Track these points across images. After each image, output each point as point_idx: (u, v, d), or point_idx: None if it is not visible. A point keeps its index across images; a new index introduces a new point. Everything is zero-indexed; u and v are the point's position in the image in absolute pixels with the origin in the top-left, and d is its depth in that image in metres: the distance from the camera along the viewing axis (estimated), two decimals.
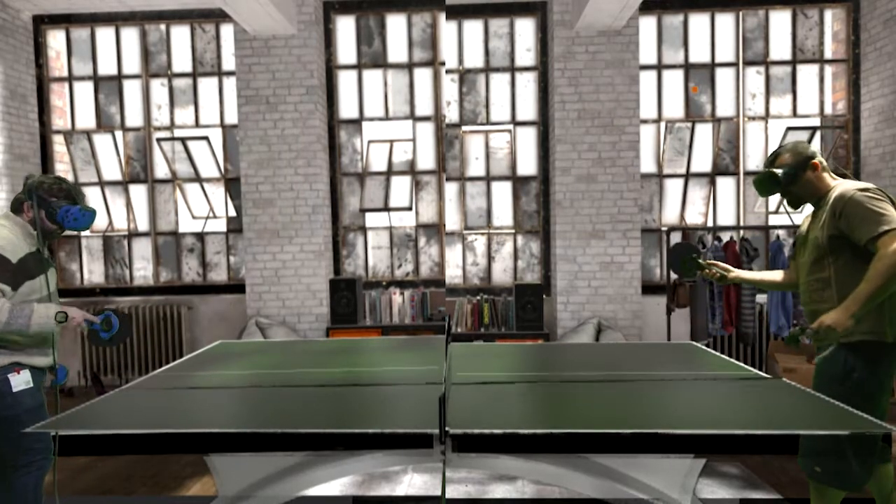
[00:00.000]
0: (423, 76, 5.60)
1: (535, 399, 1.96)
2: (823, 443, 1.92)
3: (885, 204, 1.95)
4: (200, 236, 5.73)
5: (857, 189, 2.00)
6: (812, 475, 2.01)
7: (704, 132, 5.51)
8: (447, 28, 5.55)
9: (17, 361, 2.20)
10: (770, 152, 2.28)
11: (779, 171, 2.16)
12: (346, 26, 5.60)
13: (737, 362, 2.41)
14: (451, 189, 5.65)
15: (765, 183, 2.20)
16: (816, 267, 2.09)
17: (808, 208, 2.28)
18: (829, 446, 1.91)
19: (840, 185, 2.11)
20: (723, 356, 2.55)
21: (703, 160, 5.52)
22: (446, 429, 1.52)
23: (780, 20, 5.49)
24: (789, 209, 2.40)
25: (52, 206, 2.26)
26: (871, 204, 1.93)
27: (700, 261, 2.56)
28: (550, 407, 1.86)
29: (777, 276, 2.47)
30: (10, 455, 2.16)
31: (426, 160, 5.63)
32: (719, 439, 1.46)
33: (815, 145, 5.44)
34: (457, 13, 5.52)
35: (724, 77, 5.50)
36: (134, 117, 5.71)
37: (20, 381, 2.20)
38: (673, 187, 5.55)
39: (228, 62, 5.60)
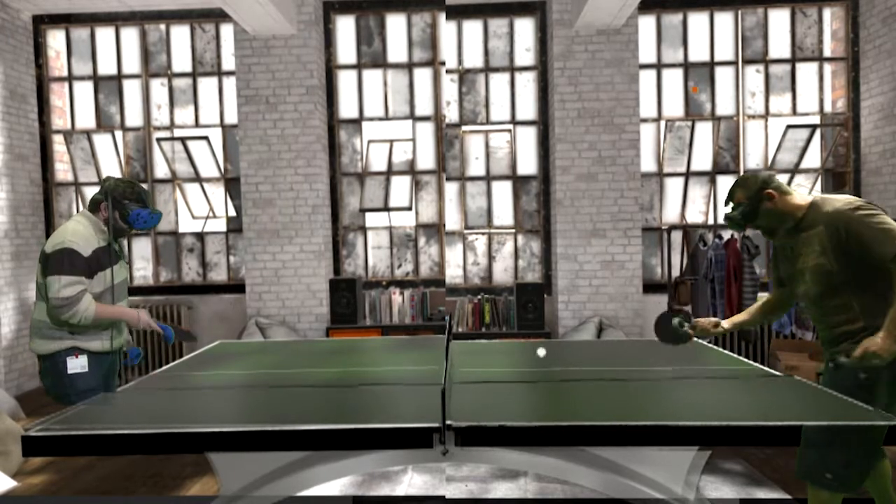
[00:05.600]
0: (422, 76, 5.60)
1: (538, 393, 1.95)
2: (832, 447, 1.85)
3: (884, 216, 1.92)
4: (200, 236, 5.72)
5: (851, 208, 1.94)
6: (823, 484, 1.91)
7: (704, 131, 5.51)
8: (447, 28, 5.56)
9: (76, 346, 2.47)
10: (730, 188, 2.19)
11: (736, 213, 2.11)
12: (346, 26, 5.60)
13: (739, 357, 2.40)
14: (451, 189, 5.65)
15: (729, 224, 2.18)
16: (830, 295, 1.99)
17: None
18: (838, 450, 1.85)
19: (821, 204, 2.02)
20: (725, 351, 2.54)
21: (703, 159, 5.52)
22: (448, 422, 1.51)
23: (779, 18, 5.49)
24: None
25: (126, 209, 2.53)
26: (874, 221, 1.89)
27: (686, 330, 2.39)
28: (553, 401, 1.85)
29: (758, 308, 2.34)
30: None
31: (426, 160, 5.63)
32: (722, 431, 1.46)
33: (815, 143, 5.44)
34: (456, 13, 5.52)
35: (723, 75, 5.50)
36: (134, 117, 5.71)
37: (76, 364, 2.45)
38: (673, 186, 5.55)
39: (228, 62, 5.60)
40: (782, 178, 5.45)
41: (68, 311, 2.36)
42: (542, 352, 2.51)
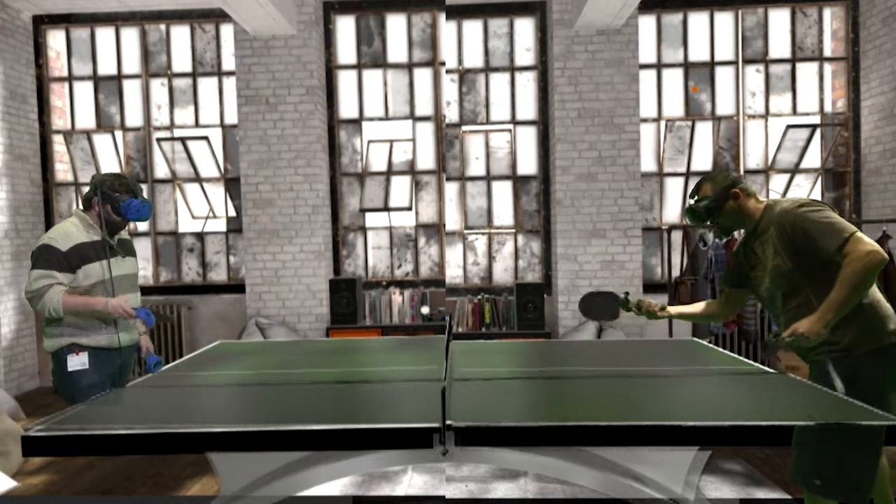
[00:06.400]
0: (422, 76, 5.60)
1: (538, 393, 1.95)
2: (823, 450, 1.82)
3: (828, 211, 1.96)
4: (200, 236, 5.72)
5: (795, 206, 1.99)
6: (811, 489, 1.87)
7: (704, 130, 5.51)
8: (447, 28, 5.56)
9: (76, 343, 2.47)
10: (695, 185, 2.25)
11: (700, 204, 2.17)
12: (346, 26, 5.60)
13: (739, 357, 2.40)
14: (451, 189, 5.65)
15: (689, 216, 2.22)
16: (791, 295, 2.03)
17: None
18: (830, 453, 1.81)
19: (773, 207, 2.08)
20: (725, 351, 2.54)
21: (703, 158, 5.52)
22: (448, 422, 1.51)
23: (780, 18, 5.49)
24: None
25: (116, 201, 2.53)
26: (817, 216, 1.93)
27: (629, 300, 2.49)
28: (553, 401, 1.85)
29: (702, 308, 2.42)
30: None
31: (426, 160, 5.63)
32: (723, 431, 1.46)
33: (815, 143, 5.44)
34: (456, 13, 5.52)
35: (723, 75, 5.50)
36: (134, 117, 5.71)
37: (76, 362, 2.44)
38: (673, 186, 5.55)
39: (228, 62, 5.60)
40: (782, 178, 5.49)
41: (37, 303, 2.41)
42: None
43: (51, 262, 2.43)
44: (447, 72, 5.58)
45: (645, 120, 5.45)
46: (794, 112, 5.48)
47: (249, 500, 1.98)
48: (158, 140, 5.60)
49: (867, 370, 1.90)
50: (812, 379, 2.02)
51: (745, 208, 2.13)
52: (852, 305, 1.87)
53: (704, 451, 1.93)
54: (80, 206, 2.62)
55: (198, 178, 5.62)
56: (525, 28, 5.56)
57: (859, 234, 1.88)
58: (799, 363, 4.49)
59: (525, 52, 5.57)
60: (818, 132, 5.40)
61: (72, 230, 2.52)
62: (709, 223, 2.23)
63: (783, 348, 1.91)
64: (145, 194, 5.65)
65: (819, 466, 1.84)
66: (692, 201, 2.22)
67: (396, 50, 5.60)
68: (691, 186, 5.51)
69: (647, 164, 5.50)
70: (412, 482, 3.07)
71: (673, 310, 2.43)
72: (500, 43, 5.58)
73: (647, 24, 5.46)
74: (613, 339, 3.09)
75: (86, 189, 5.71)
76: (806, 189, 5.50)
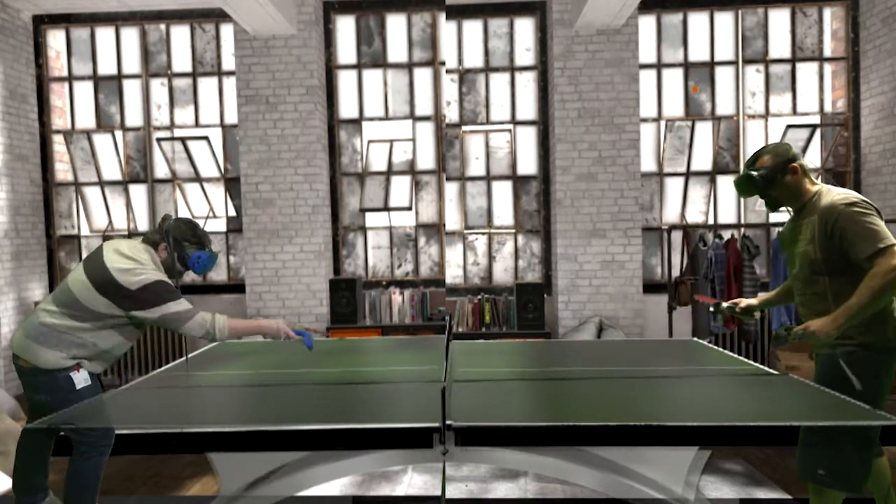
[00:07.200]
0: (422, 76, 5.60)
1: (538, 394, 1.95)
2: (825, 444, 1.90)
3: (875, 217, 1.96)
4: None
5: (845, 203, 1.99)
6: (816, 479, 1.97)
7: (704, 130, 5.51)
8: (447, 28, 5.55)
9: (77, 362, 2.33)
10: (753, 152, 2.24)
11: (756, 173, 2.14)
12: (346, 26, 5.60)
13: (739, 357, 2.40)
14: (451, 189, 5.65)
15: (743, 184, 2.19)
16: (811, 282, 2.08)
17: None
18: (831, 447, 1.90)
19: (823, 195, 2.08)
20: (725, 351, 2.54)
21: (703, 158, 5.52)
22: (448, 422, 1.51)
23: (780, 18, 5.49)
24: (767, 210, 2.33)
25: (185, 251, 2.45)
26: (863, 220, 1.94)
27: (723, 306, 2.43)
28: (553, 401, 1.85)
29: (787, 290, 2.40)
30: (74, 443, 2.31)
31: (426, 160, 5.63)
32: (722, 431, 1.46)
33: (815, 143, 5.44)
34: (456, 13, 5.52)
35: (723, 75, 5.50)
36: (134, 117, 5.71)
37: (80, 378, 2.33)
38: (673, 186, 5.55)
39: (228, 62, 5.60)
40: None
41: (183, 324, 2.29)
42: None
43: (175, 293, 2.34)
44: (447, 72, 5.58)
45: (645, 120, 5.45)
46: (794, 112, 5.48)
47: (249, 500, 1.99)
48: (158, 140, 5.60)
49: (868, 368, 1.94)
50: (818, 371, 2.05)
51: (799, 185, 2.13)
52: (867, 314, 1.91)
53: (704, 451, 1.93)
54: (145, 241, 2.48)
55: (198, 178, 5.62)
56: (525, 28, 5.56)
57: None
58: (799, 363, 4.50)
59: (525, 52, 5.57)
60: (818, 132, 5.40)
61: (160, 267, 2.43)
62: (758, 195, 2.19)
63: (793, 340, 1.96)
64: (145, 195, 5.69)
65: (823, 460, 1.92)
66: (748, 170, 2.18)
67: (396, 50, 5.60)
68: (691, 186, 5.52)
69: (647, 164, 5.50)
70: (412, 482, 3.07)
71: (760, 300, 2.39)
72: (500, 43, 5.58)
73: (647, 24, 5.46)
74: (613, 339, 3.09)
75: (87, 189, 5.73)
76: None
